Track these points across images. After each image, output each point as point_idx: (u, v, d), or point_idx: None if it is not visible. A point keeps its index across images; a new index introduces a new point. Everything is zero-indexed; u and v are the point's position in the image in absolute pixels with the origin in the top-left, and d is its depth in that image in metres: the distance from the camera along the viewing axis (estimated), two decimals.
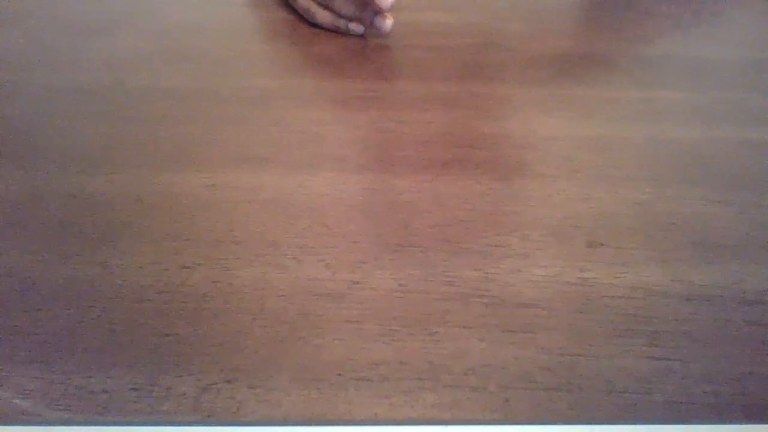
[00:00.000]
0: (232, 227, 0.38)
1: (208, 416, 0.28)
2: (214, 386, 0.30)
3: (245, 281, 0.35)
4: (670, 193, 0.41)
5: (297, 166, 0.42)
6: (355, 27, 0.58)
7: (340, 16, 0.58)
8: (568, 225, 0.38)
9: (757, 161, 0.44)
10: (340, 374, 0.30)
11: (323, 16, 0.58)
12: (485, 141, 0.45)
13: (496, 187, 0.41)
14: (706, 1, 0.61)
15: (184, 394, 0.29)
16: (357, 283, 0.35)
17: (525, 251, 0.37)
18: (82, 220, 0.38)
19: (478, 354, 0.31)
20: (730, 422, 0.29)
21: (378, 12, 0.55)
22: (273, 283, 0.35)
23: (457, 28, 0.59)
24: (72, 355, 0.31)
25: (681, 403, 0.29)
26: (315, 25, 0.59)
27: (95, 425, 0.28)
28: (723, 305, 0.34)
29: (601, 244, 0.37)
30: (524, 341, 0.32)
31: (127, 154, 0.43)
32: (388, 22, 0.55)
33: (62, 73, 0.52)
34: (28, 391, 0.29)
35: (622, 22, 0.61)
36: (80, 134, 0.45)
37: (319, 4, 0.59)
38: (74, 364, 0.31)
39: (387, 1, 0.54)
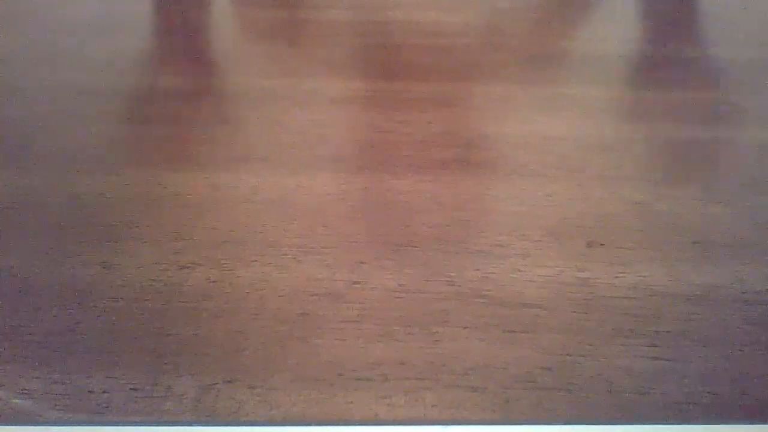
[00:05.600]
0: (232, 227, 0.38)
1: (208, 416, 0.28)
2: (214, 386, 0.30)
3: (245, 281, 0.35)
4: (670, 193, 0.41)
5: (297, 166, 0.42)
6: None
7: None
8: (568, 225, 0.38)
9: (757, 161, 0.44)
10: (340, 374, 0.30)
11: None
12: (485, 141, 0.45)
13: (495, 187, 0.41)
14: (706, 2, 0.61)
15: (184, 394, 0.29)
16: (357, 283, 0.35)
17: (525, 251, 0.37)
18: (82, 220, 0.38)
19: (478, 354, 0.31)
20: (730, 422, 0.29)
21: None
22: (273, 283, 0.35)
23: (457, 28, 0.59)
24: (72, 355, 0.31)
25: (681, 403, 0.29)
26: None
27: (95, 425, 0.28)
28: (723, 305, 0.34)
29: (601, 244, 0.37)
30: (524, 341, 0.32)
31: (127, 154, 0.43)
32: None
33: (62, 73, 0.52)
34: (28, 391, 0.29)
35: (621, 22, 0.61)
36: (80, 134, 0.45)
37: None
38: (74, 364, 0.31)
39: None
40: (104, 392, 0.29)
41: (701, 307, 0.34)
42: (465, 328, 0.32)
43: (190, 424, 0.28)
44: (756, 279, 0.35)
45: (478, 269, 0.35)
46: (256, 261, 0.36)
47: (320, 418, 0.28)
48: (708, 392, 0.30)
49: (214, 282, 0.35)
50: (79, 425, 0.28)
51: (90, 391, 0.29)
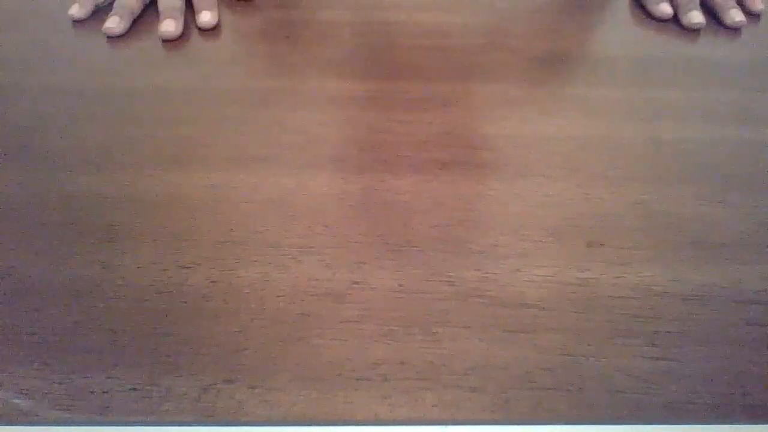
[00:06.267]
0: (232, 227, 0.38)
1: (208, 416, 0.28)
2: (214, 386, 0.30)
3: (245, 281, 0.35)
4: (670, 193, 0.41)
5: (297, 166, 0.42)
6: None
7: None
8: (568, 225, 0.38)
9: (757, 161, 0.44)
10: (340, 374, 0.30)
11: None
12: (485, 141, 0.45)
13: (495, 188, 0.41)
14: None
15: (184, 394, 0.29)
16: (357, 283, 0.35)
17: (525, 251, 0.37)
18: (82, 220, 0.38)
19: (478, 354, 0.31)
20: (730, 422, 0.29)
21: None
22: (273, 283, 0.35)
23: (457, 28, 0.59)
24: (72, 355, 0.31)
25: (681, 403, 0.29)
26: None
27: (95, 425, 0.28)
28: (723, 305, 0.34)
29: (601, 244, 0.37)
30: (524, 341, 0.32)
31: (127, 154, 0.43)
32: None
33: (62, 73, 0.52)
34: (28, 391, 0.29)
35: (622, 22, 0.61)
36: (80, 134, 0.45)
37: None
38: (74, 364, 0.31)
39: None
40: (104, 392, 0.29)
41: (701, 307, 0.34)
42: (465, 328, 0.32)
43: (190, 424, 0.28)
44: (756, 279, 0.35)
45: (478, 269, 0.36)
46: (256, 261, 0.36)
47: (320, 418, 0.28)
48: (708, 392, 0.30)
49: (214, 282, 0.35)
50: (79, 425, 0.28)
51: (90, 391, 0.29)
